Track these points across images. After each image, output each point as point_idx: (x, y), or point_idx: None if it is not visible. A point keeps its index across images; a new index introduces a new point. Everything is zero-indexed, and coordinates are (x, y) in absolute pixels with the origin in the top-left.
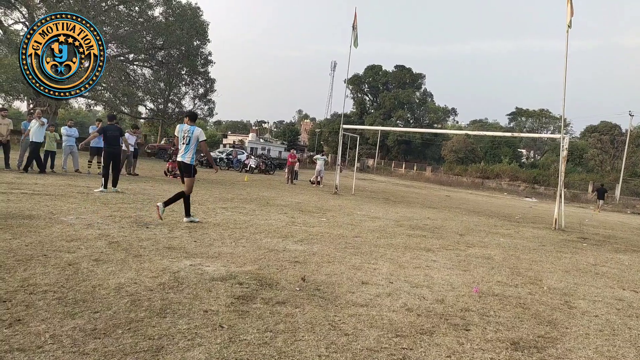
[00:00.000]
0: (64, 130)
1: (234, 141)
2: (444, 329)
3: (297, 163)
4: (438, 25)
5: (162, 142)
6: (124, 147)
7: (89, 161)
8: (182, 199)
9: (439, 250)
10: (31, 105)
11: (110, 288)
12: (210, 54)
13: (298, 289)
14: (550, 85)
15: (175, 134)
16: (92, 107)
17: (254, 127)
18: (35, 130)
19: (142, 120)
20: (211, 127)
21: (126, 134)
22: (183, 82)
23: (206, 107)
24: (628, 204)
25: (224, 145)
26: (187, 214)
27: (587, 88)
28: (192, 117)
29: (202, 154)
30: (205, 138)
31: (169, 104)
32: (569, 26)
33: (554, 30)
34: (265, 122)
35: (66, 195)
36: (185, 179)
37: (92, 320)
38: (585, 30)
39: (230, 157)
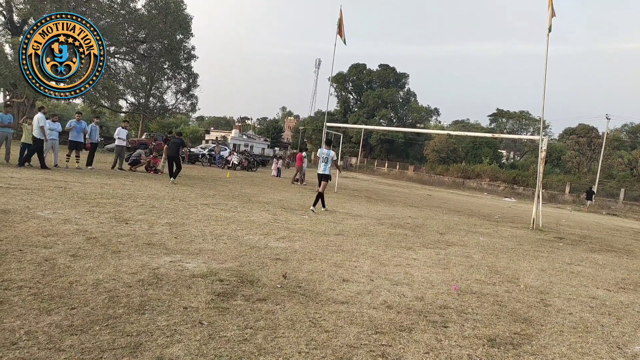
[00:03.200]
0: (47, 124)
1: (216, 137)
2: (422, 326)
3: (281, 161)
4: (422, 26)
5: (143, 137)
6: (117, 143)
7: (67, 155)
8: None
9: (420, 249)
10: (7, 97)
11: (87, 284)
12: (193, 48)
13: (279, 286)
14: (531, 88)
15: (318, 155)
16: (70, 101)
17: (237, 123)
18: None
19: (122, 115)
20: (194, 122)
21: (118, 129)
22: (165, 77)
23: (188, 102)
24: (604, 205)
25: (207, 141)
26: (323, 205)
27: (566, 91)
28: (328, 143)
29: (184, 151)
30: (336, 158)
31: (151, 98)
32: (550, 30)
33: (537, 35)
34: (248, 119)
35: (43, 190)
36: (322, 182)
37: (68, 316)
38: (568, 36)
39: (213, 153)
